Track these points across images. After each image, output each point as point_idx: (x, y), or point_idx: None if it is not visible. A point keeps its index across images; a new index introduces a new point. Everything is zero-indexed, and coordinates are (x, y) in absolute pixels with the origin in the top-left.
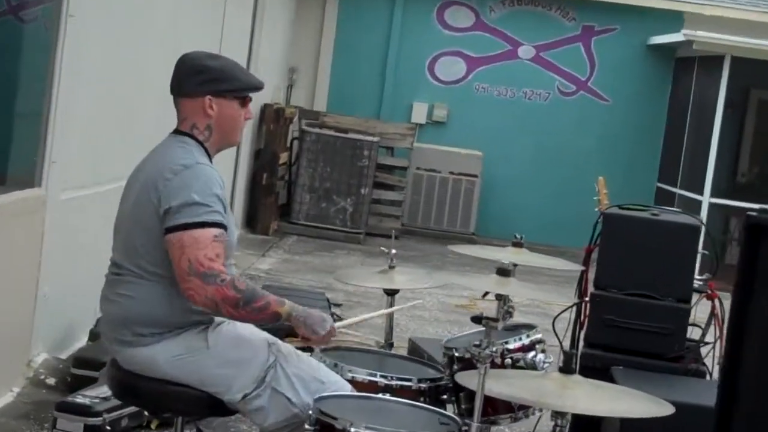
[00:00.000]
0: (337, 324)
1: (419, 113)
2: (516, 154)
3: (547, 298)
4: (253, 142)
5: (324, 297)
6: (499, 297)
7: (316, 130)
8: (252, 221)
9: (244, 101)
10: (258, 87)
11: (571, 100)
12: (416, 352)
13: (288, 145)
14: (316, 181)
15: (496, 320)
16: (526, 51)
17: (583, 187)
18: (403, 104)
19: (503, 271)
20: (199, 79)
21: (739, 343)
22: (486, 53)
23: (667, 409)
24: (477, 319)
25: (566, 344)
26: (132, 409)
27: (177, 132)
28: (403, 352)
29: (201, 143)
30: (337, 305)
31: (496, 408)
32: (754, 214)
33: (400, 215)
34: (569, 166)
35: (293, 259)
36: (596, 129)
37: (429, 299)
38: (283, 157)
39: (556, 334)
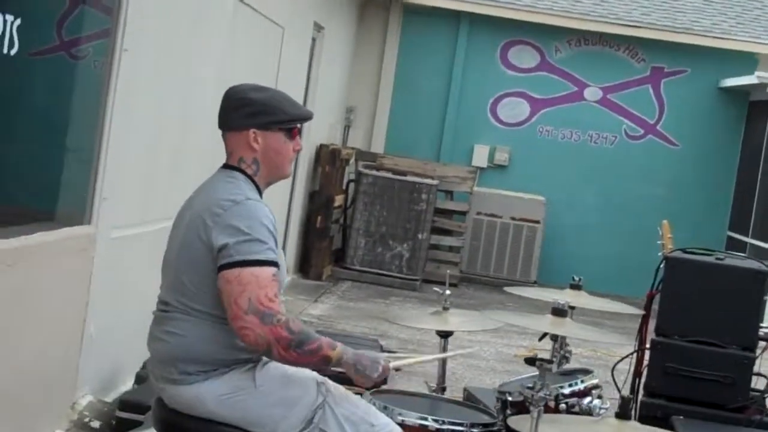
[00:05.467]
0: (392, 364)
1: (480, 156)
2: (580, 199)
3: (605, 340)
4: (307, 183)
5: (377, 344)
6: (555, 338)
7: (373, 172)
8: (305, 266)
9: (291, 133)
10: (305, 117)
11: (638, 144)
12: (472, 402)
13: (344, 187)
14: (372, 225)
15: (550, 362)
16: (592, 93)
17: (649, 235)
18: (464, 147)
19: (558, 311)
20: (243, 113)
21: None
22: (551, 95)
23: None
24: (531, 361)
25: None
26: None
27: (225, 166)
28: None
29: (250, 177)
30: (391, 352)
31: None
32: None
33: (459, 262)
34: (635, 213)
35: (346, 305)
36: (664, 174)
37: (486, 348)
38: (339, 199)
39: (615, 382)
